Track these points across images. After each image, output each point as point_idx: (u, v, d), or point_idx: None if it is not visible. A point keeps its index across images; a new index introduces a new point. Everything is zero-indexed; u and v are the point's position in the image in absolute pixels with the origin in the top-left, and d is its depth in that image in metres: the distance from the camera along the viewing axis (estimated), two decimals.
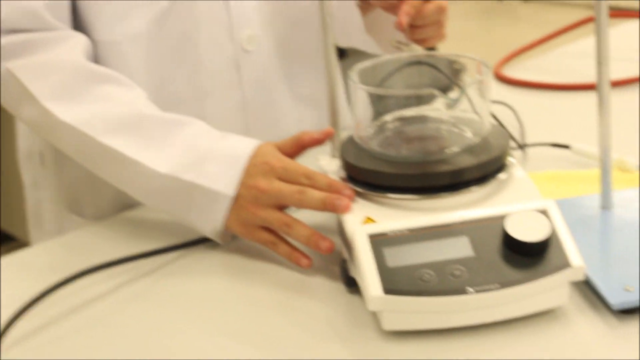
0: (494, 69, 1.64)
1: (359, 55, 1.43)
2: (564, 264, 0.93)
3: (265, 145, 1.12)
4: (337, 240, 1.06)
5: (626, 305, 0.93)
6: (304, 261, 1.07)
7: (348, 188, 1.03)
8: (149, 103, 1.18)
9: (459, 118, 1.07)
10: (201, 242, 1.15)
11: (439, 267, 0.93)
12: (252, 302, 1.04)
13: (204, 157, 1.11)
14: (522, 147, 1.30)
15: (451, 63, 1.12)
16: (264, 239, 1.09)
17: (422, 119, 1.10)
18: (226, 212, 1.09)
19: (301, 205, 1.05)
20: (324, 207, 1.03)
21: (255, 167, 1.09)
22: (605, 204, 1.08)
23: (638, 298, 0.93)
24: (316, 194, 1.04)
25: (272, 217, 1.07)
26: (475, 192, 1.01)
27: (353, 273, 1.00)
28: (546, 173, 1.21)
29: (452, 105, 1.02)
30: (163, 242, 1.14)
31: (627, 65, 1.54)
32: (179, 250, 1.14)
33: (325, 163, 1.14)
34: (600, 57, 1.04)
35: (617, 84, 1.47)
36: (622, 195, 1.10)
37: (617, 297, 0.93)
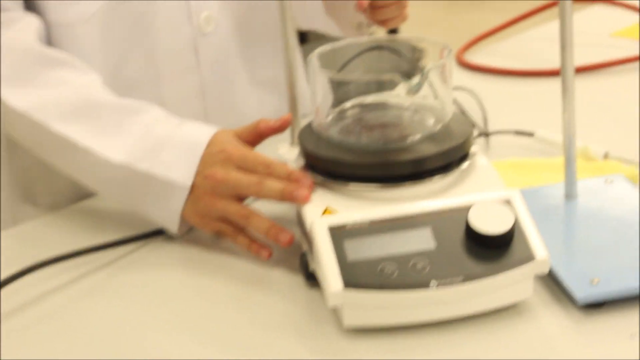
0: (456, 54, 1.62)
1: (321, 39, 1.40)
2: (528, 257, 0.90)
3: (223, 132, 1.08)
4: (297, 232, 1.03)
5: (592, 300, 0.91)
6: (264, 253, 1.04)
7: (307, 177, 1.00)
8: (104, 88, 1.15)
9: (421, 104, 1.05)
10: (157, 233, 1.11)
11: (400, 260, 0.90)
12: (209, 296, 1.01)
13: (159, 145, 1.08)
14: (485, 134, 1.28)
15: (412, 47, 1.09)
16: (221, 230, 1.06)
17: (382, 106, 1.07)
18: (182, 203, 1.06)
19: (259, 195, 1.02)
20: (283, 197, 1.00)
21: (212, 156, 1.05)
22: (570, 194, 1.06)
23: (603, 292, 0.91)
24: (274, 184, 1.01)
25: (229, 208, 1.04)
26: (437, 182, 0.98)
27: (313, 266, 0.97)
28: (509, 161, 1.19)
29: (413, 91, 0.99)
30: (119, 234, 1.11)
31: (593, 51, 1.52)
32: (134, 242, 1.10)
33: (284, 151, 1.11)
34: (564, 42, 1.01)
35: (583, 70, 1.45)
36: (587, 184, 1.08)
37: (582, 291, 0.91)
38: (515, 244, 0.91)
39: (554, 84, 1.47)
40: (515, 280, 0.91)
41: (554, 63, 1.51)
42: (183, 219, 1.08)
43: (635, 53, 1.50)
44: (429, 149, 0.98)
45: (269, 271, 1.04)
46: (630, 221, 1.01)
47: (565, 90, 1.02)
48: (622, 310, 0.91)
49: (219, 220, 1.06)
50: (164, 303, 1.00)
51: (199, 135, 1.07)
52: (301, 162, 1.04)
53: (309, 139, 1.04)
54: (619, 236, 0.98)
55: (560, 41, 1.01)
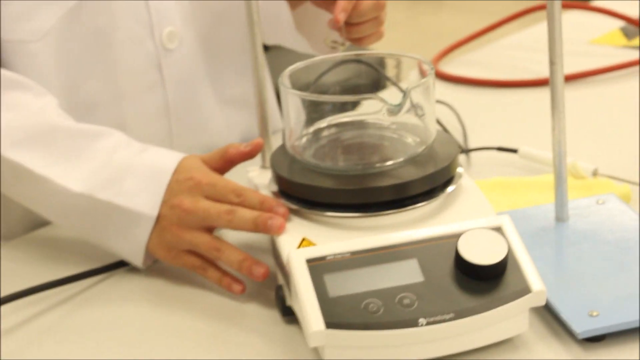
0: (419, 65, 1.55)
1: (281, 48, 1.33)
2: (524, 289, 0.84)
3: (190, 158, 1.01)
4: (272, 263, 0.96)
5: (592, 333, 0.84)
6: (236, 287, 0.97)
7: (282, 205, 0.93)
8: (60, 112, 1.07)
9: (402, 124, 0.98)
10: (119, 265, 1.04)
11: (386, 295, 0.84)
12: (177, 333, 0.94)
13: (122, 172, 1.01)
14: (465, 151, 1.21)
15: (381, 60, 1.03)
16: (190, 263, 0.99)
17: (360, 125, 1.01)
18: (147, 234, 0.99)
19: (230, 226, 0.95)
20: (256, 228, 0.93)
21: (179, 184, 0.98)
22: (560, 216, 1.00)
23: (604, 325, 0.84)
24: (247, 214, 0.94)
25: (199, 240, 0.97)
26: (422, 208, 0.92)
27: (290, 301, 0.90)
28: (493, 180, 1.13)
29: (395, 111, 0.92)
30: (78, 266, 1.03)
31: (573, 59, 1.46)
32: (95, 275, 1.03)
33: (255, 175, 1.04)
34: (554, 56, 0.95)
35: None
36: (577, 205, 1.02)
37: (581, 324, 0.85)
38: (509, 275, 0.85)
39: (534, 94, 1.44)
40: (510, 315, 0.84)
41: (531, 72, 1.46)
42: (148, 252, 1.01)
43: (616, 60, 1.45)
44: (413, 173, 0.92)
45: (242, 306, 0.97)
46: (626, 246, 0.95)
47: (555, 107, 0.96)
48: (624, 343, 0.85)
49: (187, 253, 0.99)
50: (127, 342, 0.93)
51: (164, 161, 1.01)
52: (274, 188, 0.97)
53: (282, 162, 0.97)
54: (615, 262, 0.92)
55: (549, 56, 0.95)
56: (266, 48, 1.38)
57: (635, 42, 1.54)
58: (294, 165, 0.96)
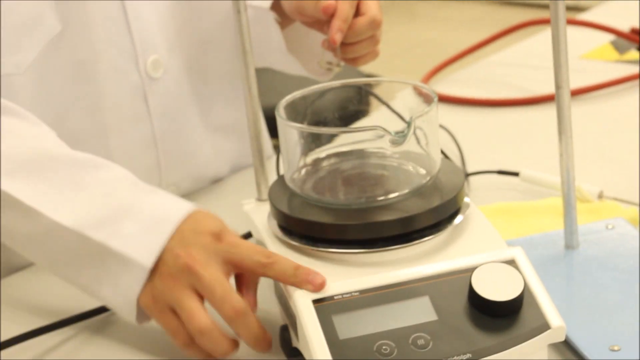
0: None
1: (269, 69, 1.29)
2: (543, 325, 0.81)
3: (205, 212, 0.93)
4: (275, 302, 0.92)
5: None
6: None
7: (318, 275, 0.84)
8: (58, 141, 1.01)
9: (404, 153, 0.94)
10: (99, 312, 0.98)
11: (399, 336, 0.80)
12: None
13: (122, 212, 0.92)
14: (465, 176, 1.18)
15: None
16: (172, 325, 0.89)
17: (361, 155, 0.97)
18: (140, 285, 0.90)
19: (266, 273, 0.87)
20: (295, 278, 0.84)
21: (194, 235, 0.89)
22: (570, 243, 0.97)
23: (626, 358, 0.81)
24: (285, 263, 0.86)
25: (186, 303, 0.87)
26: (429, 242, 0.88)
27: (296, 344, 0.86)
28: (495, 206, 1.09)
29: (398, 142, 0.89)
30: (55, 313, 0.98)
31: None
32: (70, 325, 0.97)
33: (250, 208, 1.00)
34: (560, 80, 0.92)
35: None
36: (586, 230, 0.99)
37: None
38: (526, 310, 0.81)
39: (530, 112, 1.41)
40: (529, 352, 0.81)
41: (523, 90, 1.43)
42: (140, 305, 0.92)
43: (609, 76, 1.42)
44: (419, 206, 0.88)
45: (245, 347, 0.92)
46: None
47: (563, 132, 0.93)
48: None
49: (172, 311, 0.89)
50: None
51: (171, 208, 0.92)
52: (273, 222, 0.93)
53: (281, 196, 0.93)
54: (632, 292, 0.89)
55: (555, 80, 0.91)
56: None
57: (628, 56, 1.52)
58: (293, 199, 0.92)
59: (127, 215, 0.92)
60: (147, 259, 0.89)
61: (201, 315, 0.86)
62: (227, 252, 0.88)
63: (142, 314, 0.92)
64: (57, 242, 0.94)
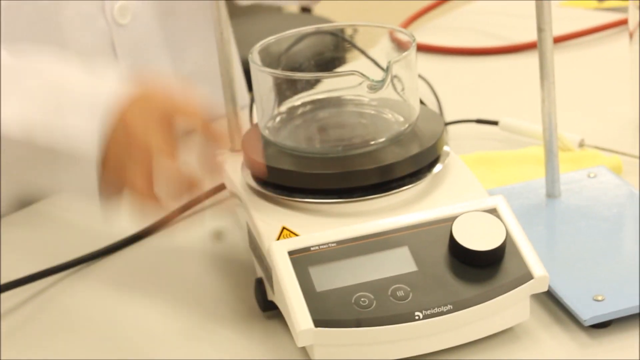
0: (390, 33, 1.48)
1: (247, 13, 1.25)
2: (525, 275, 0.78)
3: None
4: (249, 254, 0.90)
5: (599, 319, 0.79)
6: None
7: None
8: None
9: (383, 100, 0.91)
10: (83, 261, 0.96)
11: (378, 287, 0.78)
12: (145, 331, 0.87)
13: (60, 105, 0.89)
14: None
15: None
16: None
17: (337, 102, 0.94)
18: (95, 179, 0.88)
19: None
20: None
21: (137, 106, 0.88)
22: (552, 192, 0.94)
23: (611, 310, 0.79)
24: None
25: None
26: (408, 191, 0.85)
27: (272, 297, 0.84)
28: (474, 155, 1.07)
29: (376, 88, 0.86)
30: (48, 259, 0.96)
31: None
32: (53, 274, 0.95)
33: (223, 159, 0.97)
34: (542, 23, 0.89)
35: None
36: (568, 179, 0.97)
37: (587, 311, 0.79)
38: (508, 260, 0.79)
39: (509, 61, 1.38)
40: (512, 303, 0.79)
41: (501, 39, 1.40)
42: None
43: (589, 24, 1.39)
44: (398, 154, 0.85)
45: (218, 300, 0.90)
46: (624, 222, 0.90)
47: (545, 77, 0.90)
48: (631, 328, 0.80)
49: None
50: (87, 341, 0.87)
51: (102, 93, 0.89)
52: (247, 173, 0.90)
53: (255, 146, 0.90)
54: (615, 241, 0.87)
55: (537, 22, 0.89)
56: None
57: (607, 3, 1.49)
58: (268, 149, 0.89)
59: (65, 108, 0.89)
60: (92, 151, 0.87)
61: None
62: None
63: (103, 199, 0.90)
64: (8, 146, 0.90)
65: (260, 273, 0.87)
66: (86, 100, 0.89)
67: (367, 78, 0.84)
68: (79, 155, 0.88)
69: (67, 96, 0.90)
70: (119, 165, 0.87)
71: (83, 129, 0.88)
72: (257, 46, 0.91)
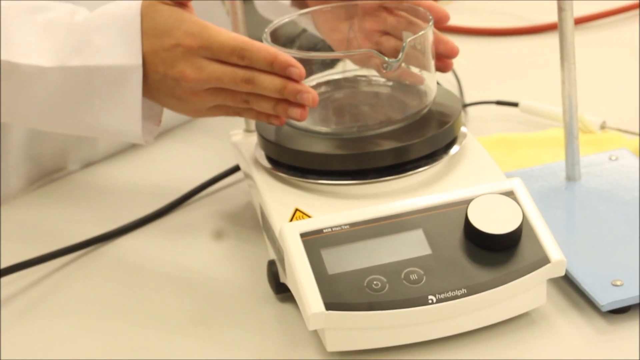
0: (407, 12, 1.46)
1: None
2: (542, 259, 0.77)
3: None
4: (262, 237, 0.88)
5: (617, 305, 0.77)
6: (275, 121, 0.85)
7: (295, 65, 0.81)
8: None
9: (399, 81, 0.90)
10: (89, 244, 0.95)
11: (391, 270, 0.76)
12: (157, 316, 0.86)
13: (87, 34, 0.88)
14: (462, 106, 1.13)
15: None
16: (217, 113, 0.87)
17: (353, 83, 0.93)
18: (139, 88, 0.86)
19: (250, 99, 0.84)
20: (275, 111, 0.83)
21: (168, 52, 0.85)
22: (572, 175, 0.93)
23: (629, 295, 0.77)
24: (263, 104, 0.83)
25: (220, 71, 0.83)
26: (424, 173, 0.84)
27: (284, 279, 0.83)
28: (494, 137, 1.05)
29: (391, 67, 0.84)
30: (59, 241, 0.94)
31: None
32: (62, 256, 0.94)
33: (238, 139, 0.96)
34: (563, 2, 0.87)
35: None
36: (588, 162, 0.95)
37: (605, 296, 0.77)
38: (525, 244, 0.77)
39: (529, 42, 1.36)
40: (528, 288, 0.77)
41: (522, 19, 1.38)
42: (149, 116, 0.90)
43: (612, 5, 1.37)
44: (414, 135, 0.84)
45: (230, 282, 0.89)
46: None
47: (565, 58, 0.88)
48: None
49: (213, 109, 0.87)
50: (97, 327, 0.85)
51: (126, 6, 0.88)
52: (260, 153, 0.89)
53: (269, 126, 0.89)
54: (634, 225, 0.85)
55: (557, 2, 0.87)
56: None
57: None
58: (282, 129, 0.88)
59: (93, 33, 0.88)
60: (134, 59, 0.86)
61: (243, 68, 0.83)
62: (203, 55, 0.84)
63: (147, 131, 0.90)
64: (41, 88, 0.89)
65: (273, 255, 0.86)
66: (112, 16, 0.87)
67: (381, 57, 0.83)
68: (118, 67, 0.86)
69: (92, 18, 0.89)
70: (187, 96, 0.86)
71: (119, 44, 0.86)
72: (271, 25, 0.90)
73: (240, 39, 0.83)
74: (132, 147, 1.11)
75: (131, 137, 0.90)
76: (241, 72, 0.83)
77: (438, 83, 0.90)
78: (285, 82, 0.82)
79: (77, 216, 1.02)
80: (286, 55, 0.81)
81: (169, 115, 0.94)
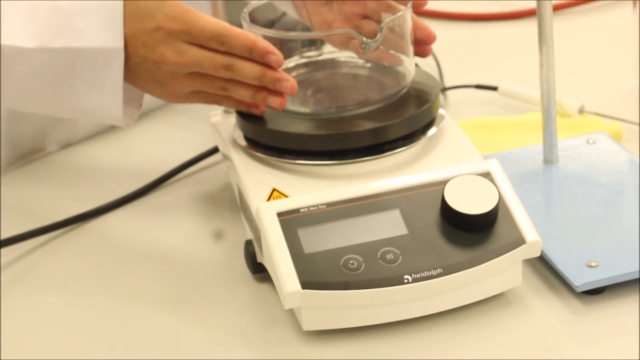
0: None
1: None
2: (517, 240, 0.77)
3: None
4: (239, 216, 0.88)
5: (591, 285, 0.78)
6: (255, 110, 0.87)
7: (273, 52, 0.82)
8: None
9: (377, 62, 0.90)
10: (69, 223, 0.95)
11: (367, 250, 0.76)
12: (135, 293, 0.86)
13: (70, 16, 0.88)
14: (442, 90, 1.13)
15: None
16: (196, 100, 0.89)
17: (331, 64, 0.93)
18: (120, 72, 0.87)
19: (229, 85, 0.85)
20: (253, 99, 0.84)
21: (149, 35, 0.86)
22: (549, 158, 0.93)
23: (604, 276, 0.78)
24: (241, 91, 0.84)
25: (200, 57, 0.84)
26: (401, 153, 0.84)
27: (261, 259, 0.83)
28: (473, 121, 1.05)
29: (369, 47, 0.84)
30: (23, 225, 0.94)
31: None
32: (42, 234, 0.94)
33: (217, 120, 0.96)
34: None
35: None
36: (566, 145, 0.95)
37: (580, 276, 0.78)
38: (500, 225, 0.78)
39: (510, 27, 1.36)
40: (503, 268, 0.77)
41: (503, 4, 1.39)
42: (130, 98, 0.90)
43: None
44: (392, 116, 0.84)
45: (207, 262, 0.89)
46: (621, 189, 0.88)
47: (543, 41, 0.89)
48: (624, 295, 0.78)
49: (191, 95, 0.89)
50: (80, 305, 0.85)
51: None
52: (239, 134, 0.89)
53: None
54: (611, 208, 0.86)
55: None
56: None
57: None
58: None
59: (75, 17, 0.88)
60: (116, 42, 0.86)
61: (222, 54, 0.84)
62: (183, 39, 0.85)
63: (128, 114, 0.91)
64: (22, 69, 0.90)
65: (250, 235, 0.86)
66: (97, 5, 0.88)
67: (359, 37, 0.83)
68: (101, 50, 0.87)
69: (75, 1, 0.89)
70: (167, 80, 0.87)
71: (101, 28, 0.87)
72: (250, 5, 0.90)
73: (220, 24, 0.83)
74: (112, 128, 1.11)
75: (112, 119, 0.90)
76: (221, 58, 0.83)
77: (417, 65, 0.91)
78: (265, 69, 0.82)
79: (56, 196, 1.01)
80: (265, 42, 0.82)
81: (149, 97, 0.94)
